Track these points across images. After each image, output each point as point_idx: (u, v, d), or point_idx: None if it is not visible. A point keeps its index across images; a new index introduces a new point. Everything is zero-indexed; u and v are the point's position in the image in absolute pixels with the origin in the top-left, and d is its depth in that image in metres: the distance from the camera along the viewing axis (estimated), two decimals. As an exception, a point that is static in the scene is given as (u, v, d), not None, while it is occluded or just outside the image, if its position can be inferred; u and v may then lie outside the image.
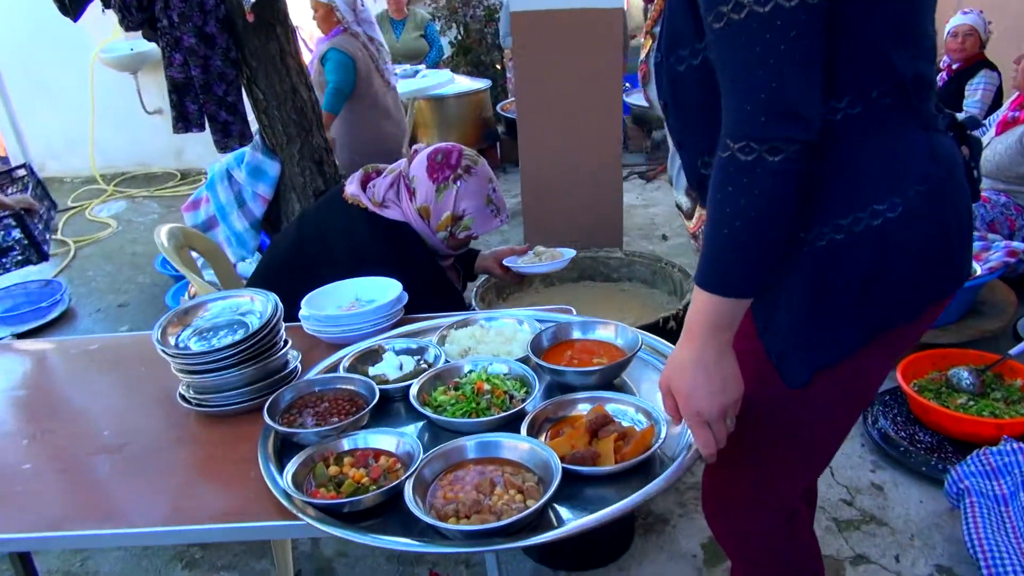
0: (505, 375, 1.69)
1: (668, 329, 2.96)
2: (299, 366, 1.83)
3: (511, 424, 1.52)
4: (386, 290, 2.14)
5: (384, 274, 2.20)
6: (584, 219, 4.10)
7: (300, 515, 1.33)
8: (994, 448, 2.42)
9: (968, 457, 2.44)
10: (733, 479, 1.46)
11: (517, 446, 1.43)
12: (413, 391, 1.63)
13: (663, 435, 1.41)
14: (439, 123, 6.44)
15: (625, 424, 1.49)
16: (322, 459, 1.48)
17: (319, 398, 1.67)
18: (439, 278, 2.43)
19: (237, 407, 1.70)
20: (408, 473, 1.35)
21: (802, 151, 1.05)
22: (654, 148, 6.70)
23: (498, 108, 6.97)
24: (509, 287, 3.44)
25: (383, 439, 1.50)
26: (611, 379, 1.69)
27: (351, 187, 2.42)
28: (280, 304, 1.79)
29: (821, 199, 1.15)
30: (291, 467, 1.42)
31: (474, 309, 2.74)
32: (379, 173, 2.44)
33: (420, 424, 1.62)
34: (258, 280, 2.51)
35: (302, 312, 2.07)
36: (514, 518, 1.24)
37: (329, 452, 1.49)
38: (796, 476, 1.45)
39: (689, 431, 1.28)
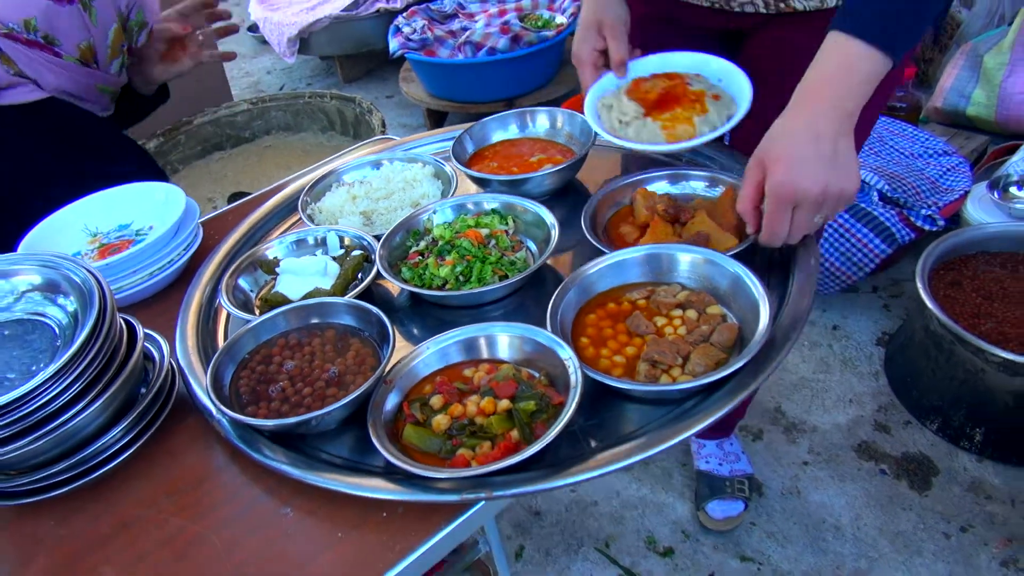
0: (468, 214, 1.23)
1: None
2: (164, 349, 1.05)
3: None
4: (137, 200, 1.36)
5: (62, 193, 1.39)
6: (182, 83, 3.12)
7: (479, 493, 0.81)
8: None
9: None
10: None
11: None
12: (400, 283, 1.09)
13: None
14: None
15: (690, 199, 1.20)
16: (396, 422, 0.91)
17: (266, 357, 1.00)
18: (125, 149, 1.62)
19: (116, 461, 0.93)
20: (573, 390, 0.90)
21: None
22: None
23: None
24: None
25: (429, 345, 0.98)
26: (568, 180, 1.34)
27: None
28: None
29: None
30: (380, 444, 0.84)
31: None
32: None
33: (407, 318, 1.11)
34: None
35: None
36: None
37: (407, 398, 0.92)
38: None
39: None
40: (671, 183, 1.22)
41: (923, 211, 2.33)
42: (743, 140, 1.33)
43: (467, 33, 3.59)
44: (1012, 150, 2.62)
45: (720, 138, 1.19)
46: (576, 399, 0.84)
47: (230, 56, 1.66)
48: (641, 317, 0.99)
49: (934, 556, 1.82)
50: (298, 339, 1.02)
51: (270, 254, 1.19)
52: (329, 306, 1.04)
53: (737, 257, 1.02)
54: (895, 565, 1.81)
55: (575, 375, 0.87)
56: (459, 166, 1.30)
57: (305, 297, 1.09)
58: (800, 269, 1.04)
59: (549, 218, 1.15)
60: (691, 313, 1.00)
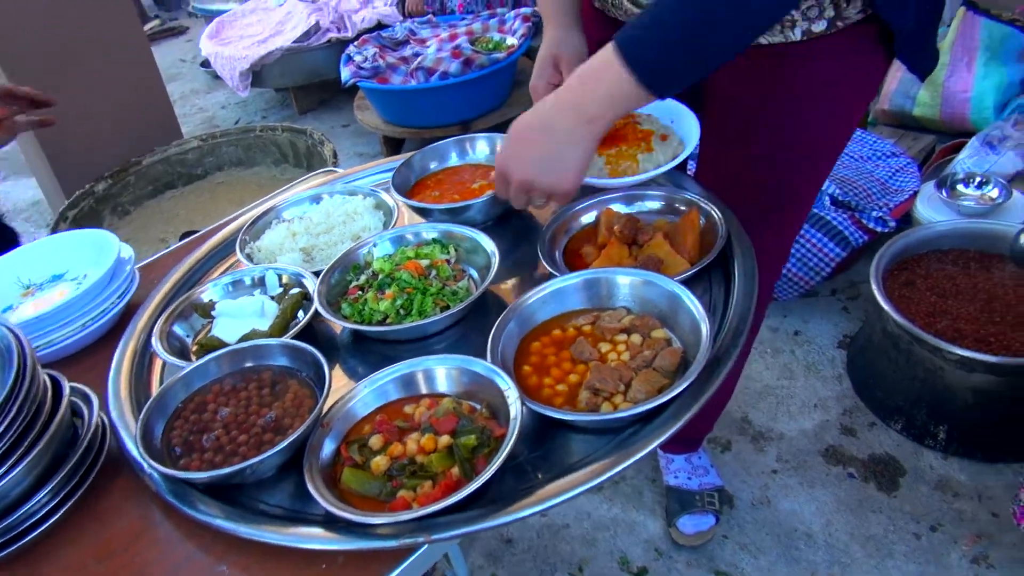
0: (408, 245, 1.21)
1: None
2: (95, 404, 1.01)
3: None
4: (71, 248, 1.32)
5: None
6: (129, 124, 3.04)
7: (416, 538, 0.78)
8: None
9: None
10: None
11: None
12: (339, 320, 1.06)
13: (716, 214, 1.13)
14: None
15: (653, 220, 1.18)
16: (334, 466, 0.88)
17: (200, 406, 0.97)
18: None
19: (44, 527, 0.89)
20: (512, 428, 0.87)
21: None
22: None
23: None
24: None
25: (366, 385, 0.95)
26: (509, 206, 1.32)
27: None
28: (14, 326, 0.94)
29: None
30: (316, 491, 0.81)
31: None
32: None
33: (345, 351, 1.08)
34: None
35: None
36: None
37: (346, 440, 0.89)
38: None
39: None
40: (626, 204, 1.21)
41: (874, 213, 2.35)
42: (706, 174, 1.36)
43: (419, 59, 3.58)
44: (958, 148, 2.67)
45: (684, 168, 1.22)
46: (515, 432, 0.82)
47: (49, 122, 1.60)
48: (585, 343, 0.98)
49: (905, 557, 1.82)
50: (233, 384, 0.99)
51: (205, 297, 1.16)
52: (263, 348, 1.01)
53: (684, 281, 1.01)
54: (867, 569, 1.80)
55: (515, 406, 0.85)
56: (399, 197, 1.28)
57: (242, 339, 1.06)
58: (740, 288, 1.03)
59: (489, 245, 1.13)
60: (635, 338, 0.98)
